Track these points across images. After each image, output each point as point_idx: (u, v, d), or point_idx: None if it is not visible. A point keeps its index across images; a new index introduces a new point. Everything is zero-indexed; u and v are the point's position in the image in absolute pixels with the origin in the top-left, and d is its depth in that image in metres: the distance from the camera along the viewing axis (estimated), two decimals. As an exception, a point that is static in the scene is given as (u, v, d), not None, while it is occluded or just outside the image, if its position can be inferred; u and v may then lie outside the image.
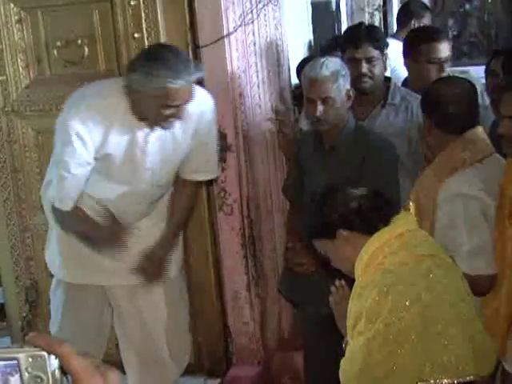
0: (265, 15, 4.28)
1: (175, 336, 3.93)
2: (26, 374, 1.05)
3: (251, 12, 4.13)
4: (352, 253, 2.71)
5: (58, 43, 3.77)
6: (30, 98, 4.24)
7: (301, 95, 4.61)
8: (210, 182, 4.12)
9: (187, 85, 3.26)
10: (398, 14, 6.90)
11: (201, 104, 3.55)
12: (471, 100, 3.45)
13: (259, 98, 4.28)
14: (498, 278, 3.11)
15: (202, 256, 4.29)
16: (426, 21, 6.28)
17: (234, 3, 4.01)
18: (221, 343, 4.42)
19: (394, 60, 4.98)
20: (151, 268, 3.66)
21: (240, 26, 4.05)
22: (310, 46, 5.73)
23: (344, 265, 2.81)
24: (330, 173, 3.65)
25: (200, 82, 3.59)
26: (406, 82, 4.70)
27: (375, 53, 4.09)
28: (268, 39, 4.33)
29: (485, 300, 3.14)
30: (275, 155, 4.46)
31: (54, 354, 1.06)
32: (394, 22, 7.31)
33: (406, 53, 4.55)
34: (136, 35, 4.01)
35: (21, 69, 4.22)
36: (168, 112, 3.30)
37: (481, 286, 3.09)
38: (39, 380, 1.05)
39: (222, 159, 4.09)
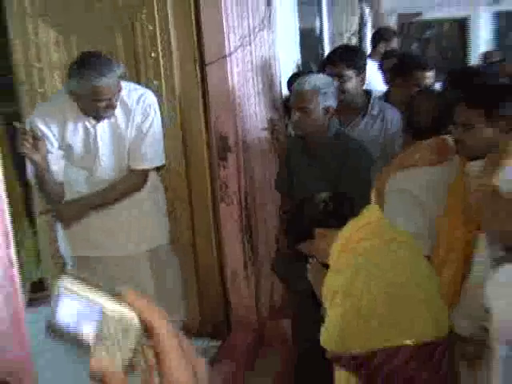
0: (260, 38, 4.27)
1: (164, 296, 3.85)
2: (107, 329, 0.85)
3: (249, 35, 4.11)
4: (329, 246, 2.69)
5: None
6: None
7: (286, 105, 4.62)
8: (212, 178, 4.13)
9: (111, 81, 3.32)
10: (371, 38, 6.89)
11: (140, 101, 3.59)
12: (434, 111, 3.41)
13: (255, 107, 4.26)
14: (440, 263, 3.07)
15: (206, 239, 4.25)
16: (394, 44, 6.26)
17: (234, 27, 3.98)
18: (222, 312, 4.39)
19: (368, 76, 4.94)
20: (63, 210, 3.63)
21: (239, 46, 4.03)
22: (297, 65, 5.70)
23: (326, 258, 2.77)
24: (313, 174, 3.63)
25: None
26: (385, 96, 4.65)
27: (347, 71, 4.06)
28: (263, 58, 4.31)
29: None
30: (268, 155, 4.44)
31: (144, 321, 0.85)
32: (368, 45, 7.31)
33: (396, 75, 4.49)
34: (153, 54, 4.01)
35: (57, 83, 4.21)
36: (102, 104, 3.38)
37: None
38: (116, 341, 0.85)
39: (224, 158, 4.07)
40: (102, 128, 3.55)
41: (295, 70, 5.44)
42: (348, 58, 4.12)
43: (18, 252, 4.40)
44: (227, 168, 4.09)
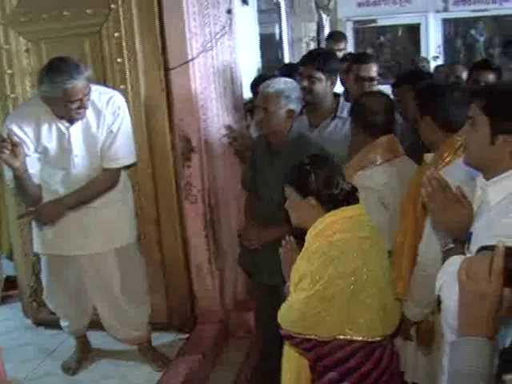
0: (222, 43, 4.26)
1: (130, 289, 3.88)
2: None
3: (211, 41, 4.12)
4: (310, 218, 2.73)
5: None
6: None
7: (252, 107, 4.62)
8: (177, 177, 4.14)
9: (80, 82, 3.33)
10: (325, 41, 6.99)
11: (110, 103, 3.60)
12: (386, 111, 3.46)
13: (217, 109, 4.26)
14: (399, 249, 3.13)
15: (172, 236, 4.26)
16: (342, 46, 6.33)
17: (197, 34, 4.00)
18: (188, 306, 4.39)
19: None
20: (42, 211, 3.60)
21: (202, 52, 4.03)
22: (258, 69, 5.73)
23: (299, 222, 2.82)
24: (276, 172, 3.63)
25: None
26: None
27: (317, 73, 4.06)
28: (224, 63, 4.30)
29: None
30: (230, 155, 4.44)
31: None
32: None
33: (343, 71, 4.56)
34: (119, 60, 4.03)
35: (28, 88, 4.22)
36: (73, 106, 3.38)
37: None
38: None
39: (188, 159, 4.09)
40: (75, 130, 3.54)
41: (256, 74, 5.47)
42: (319, 60, 4.11)
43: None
44: (191, 168, 4.10)
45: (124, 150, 3.67)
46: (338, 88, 4.37)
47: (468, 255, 2.20)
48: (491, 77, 4.75)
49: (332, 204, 2.70)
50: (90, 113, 3.54)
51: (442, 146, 3.02)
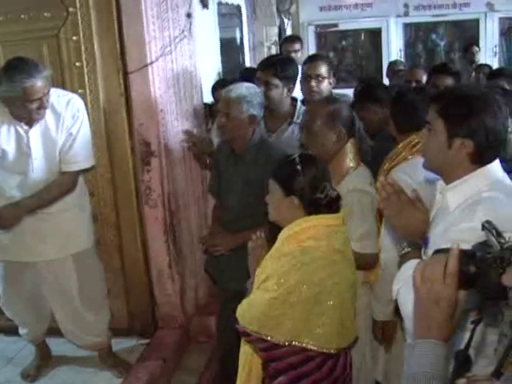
0: (181, 47, 4.26)
1: (88, 295, 3.86)
2: None
3: (170, 45, 4.11)
4: (288, 217, 2.71)
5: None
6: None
7: (211, 111, 4.63)
8: (137, 181, 4.13)
9: (39, 81, 3.30)
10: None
11: (69, 105, 3.59)
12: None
13: (177, 113, 4.25)
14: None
15: (132, 241, 4.25)
16: (297, 47, 6.37)
17: (155, 38, 3.99)
18: (149, 311, 4.39)
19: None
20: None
21: (161, 56, 4.03)
22: (218, 73, 5.75)
23: (276, 218, 2.80)
24: (239, 175, 3.65)
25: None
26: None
27: (274, 80, 4.05)
28: (183, 66, 4.30)
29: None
30: (190, 159, 4.45)
31: None
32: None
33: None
34: (77, 64, 4.01)
35: (-17, 93, 4.14)
36: (33, 106, 3.36)
37: (368, 262, 3.17)
38: None
39: (147, 163, 4.08)
40: (34, 133, 3.51)
41: (216, 78, 5.49)
42: (277, 67, 4.09)
43: None
44: (151, 172, 4.10)
45: (82, 154, 3.65)
46: (297, 93, 4.37)
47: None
48: (449, 81, 4.80)
49: (314, 208, 2.68)
50: (49, 115, 3.51)
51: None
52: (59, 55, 4.01)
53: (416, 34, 10.20)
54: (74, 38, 3.97)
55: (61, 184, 3.65)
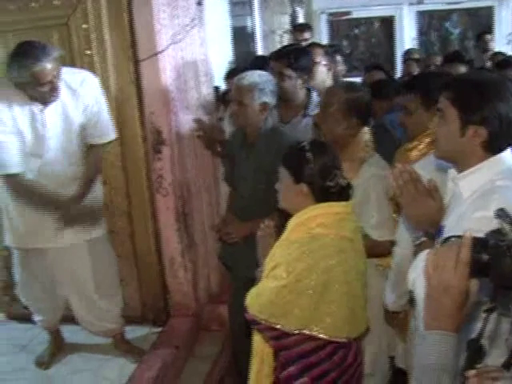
0: (192, 36, 4.24)
1: (101, 282, 3.87)
2: None
3: (180, 33, 4.08)
4: (298, 204, 2.67)
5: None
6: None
7: (224, 99, 4.59)
8: (148, 170, 4.10)
9: (48, 64, 3.29)
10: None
11: (84, 83, 3.61)
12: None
13: (187, 101, 4.23)
14: None
15: (144, 229, 4.22)
16: (307, 36, 6.33)
17: (166, 26, 3.96)
18: (161, 299, 4.37)
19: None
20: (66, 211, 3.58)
21: (171, 44, 4.00)
22: (229, 61, 5.71)
23: (286, 205, 2.76)
24: (252, 163, 3.63)
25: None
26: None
27: (287, 70, 4.02)
28: (194, 54, 4.28)
29: None
30: (201, 147, 4.42)
31: None
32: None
33: None
34: (87, 52, 3.98)
35: (-5, 80, 4.13)
36: (45, 88, 3.35)
37: (385, 250, 3.13)
38: None
39: (159, 151, 4.04)
40: (50, 112, 3.50)
41: (228, 67, 5.45)
42: (290, 58, 4.06)
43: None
44: (162, 160, 4.07)
45: (109, 126, 3.74)
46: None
47: (438, 248, 2.19)
48: (462, 69, 4.75)
49: (323, 196, 2.64)
50: (64, 93, 3.50)
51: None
52: (69, 44, 3.98)
53: (429, 22, 10.11)
54: (84, 26, 3.94)
55: (96, 156, 3.73)
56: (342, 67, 5.76)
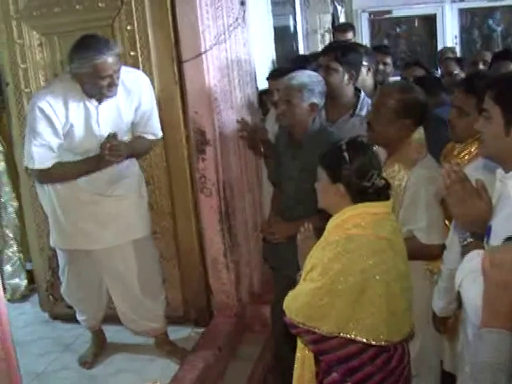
0: (235, 36, 4.24)
1: (146, 281, 3.87)
2: None
3: (224, 33, 4.08)
4: (336, 205, 2.63)
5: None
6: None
7: (261, 100, 4.56)
8: (191, 170, 4.11)
9: (110, 58, 3.33)
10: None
11: (138, 82, 3.66)
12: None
13: (231, 101, 4.22)
14: None
15: (187, 229, 4.23)
16: (349, 36, 6.27)
17: (210, 26, 3.96)
18: (204, 299, 4.36)
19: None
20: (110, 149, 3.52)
21: (215, 44, 4.00)
22: (272, 61, 5.68)
23: (325, 205, 2.72)
24: (298, 163, 3.59)
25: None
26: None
27: (334, 64, 3.96)
28: (238, 55, 4.27)
29: None
30: (244, 147, 4.41)
31: None
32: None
33: None
34: (132, 53, 4.01)
35: (41, 82, 4.19)
36: (105, 82, 3.37)
37: (434, 253, 3.08)
38: None
39: (203, 151, 4.04)
40: (104, 109, 3.53)
41: (271, 66, 5.43)
42: (339, 52, 4.01)
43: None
44: (206, 161, 4.06)
45: (158, 124, 3.78)
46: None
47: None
48: (512, 67, 4.65)
49: (360, 196, 2.58)
50: (119, 91, 3.52)
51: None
52: (114, 45, 3.99)
53: (472, 20, 9.95)
54: (129, 27, 3.98)
55: (144, 140, 3.76)
56: (390, 69, 5.71)
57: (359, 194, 2.59)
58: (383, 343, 2.54)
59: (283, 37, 6.42)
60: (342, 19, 8.90)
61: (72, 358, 4.08)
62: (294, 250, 3.21)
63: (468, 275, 2.12)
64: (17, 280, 5.11)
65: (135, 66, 3.95)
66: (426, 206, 3.08)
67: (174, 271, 4.30)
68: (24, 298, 5.08)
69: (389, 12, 10.06)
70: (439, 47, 9.41)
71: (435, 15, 9.89)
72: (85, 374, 3.95)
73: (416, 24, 10.18)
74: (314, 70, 3.92)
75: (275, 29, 5.86)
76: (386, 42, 9.95)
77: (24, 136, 4.12)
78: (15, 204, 5.05)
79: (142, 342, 4.11)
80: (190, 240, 4.24)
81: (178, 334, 4.23)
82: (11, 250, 5.11)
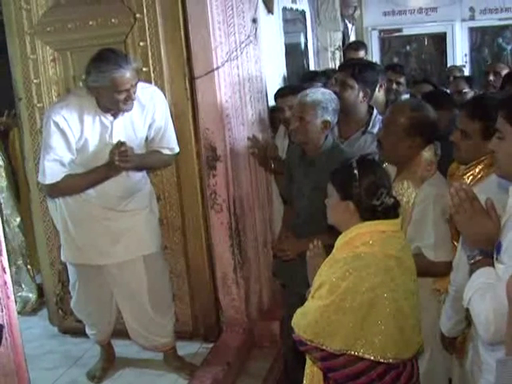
0: (247, 53, 4.24)
1: (157, 296, 3.85)
2: None
3: (236, 50, 4.09)
4: (345, 222, 2.61)
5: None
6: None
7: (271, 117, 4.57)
8: (202, 186, 4.12)
9: (128, 72, 3.34)
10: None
11: (153, 98, 3.66)
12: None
13: (242, 118, 4.23)
14: None
15: (197, 245, 4.23)
16: (361, 54, 6.28)
17: (222, 43, 3.97)
18: (213, 315, 4.35)
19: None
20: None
21: (227, 61, 4.01)
22: (283, 78, 5.68)
23: (334, 222, 2.70)
24: (310, 180, 3.57)
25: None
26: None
27: (350, 80, 3.94)
28: (249, 71, 4.28)
29: None
30: (255, 163, 4.41)
31: None
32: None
33: None
34: (144, 69, 4.01)
35: (54, 97, 4.21)
36: (122, 96, 3.38)
37: (441, 270, 3.05)
38: None
39: (214, 167, 4.04)
40: (119, 124, 3.53)
41: (282, 83, 5.42)
42: (355, 68, 4.00)
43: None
44: (216, 176, 4.07)
45: (174, 140, 3.78)
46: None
47: (498, 266, 2.12)
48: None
49: (369, 214, 2.57)
50: (134, 107, 3.52)
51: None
52: (126, 60, 4.01)
53: (482, 38, 9.94)
54: (141, 43, 4.00)
55: (160, 153, 3.75)
56: (403, 88, 5.74)
57: (368, 212, 2.58)
58: (391, 360, 2.52)
59: (294, 54, 6.42)
60: (353, 37, 8.90)
61: (81, 373, 4.07)
62: (304, 266, 3.19)
63: (476, 292, 2.11)
64: (26, 293, 5.12)
65: (147, 81, 3.95)
66: (434, 223, 3.06)
67: (184, 286, 4.30)
68: (33, 311, 5.09)
69: (399, 30, 10.07)
70: (449, 65, 9.41)
71: (445, 34, 9.89)
72: (94, 388, 3.94)
73: (426, 42, 10.18)
74: (324, 85, 3.92)
75: (286, 46, 5.86)
76: (395, 59, 9.94)
77: (35, 150, 4.16)
78: (18, 219, 5.13)
79: (151, 357, 4.10)
80: (200, 256, 4.24)
81: (186, 349, 4.22)
82: (18, 263, 5.13)
